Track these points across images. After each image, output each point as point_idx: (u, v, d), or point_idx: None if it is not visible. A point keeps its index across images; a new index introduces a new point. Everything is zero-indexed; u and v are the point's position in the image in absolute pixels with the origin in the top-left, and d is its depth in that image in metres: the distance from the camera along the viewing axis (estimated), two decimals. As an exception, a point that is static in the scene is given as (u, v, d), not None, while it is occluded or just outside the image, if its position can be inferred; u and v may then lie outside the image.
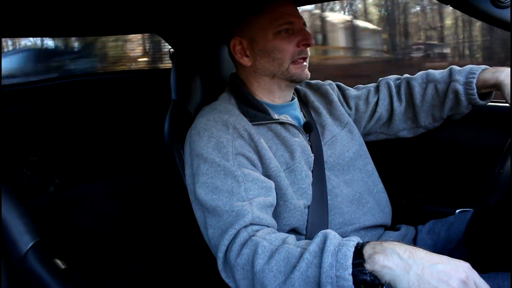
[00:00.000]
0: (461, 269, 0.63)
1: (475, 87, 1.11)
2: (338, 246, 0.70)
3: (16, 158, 1.75)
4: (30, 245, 0.94)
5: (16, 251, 0.94)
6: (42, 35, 2.81)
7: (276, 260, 0.75)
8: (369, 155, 1.21)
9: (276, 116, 1.07)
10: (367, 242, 0.70)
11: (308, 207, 1.02)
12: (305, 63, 1.08)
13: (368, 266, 0.66)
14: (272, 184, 0.96)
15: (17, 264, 0.94)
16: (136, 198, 1.90)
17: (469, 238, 0.87)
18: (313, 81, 1.28)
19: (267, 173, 0.98)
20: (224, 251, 0.83)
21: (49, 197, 1.80)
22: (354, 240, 0.71)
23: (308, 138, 1.11)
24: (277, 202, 0.98)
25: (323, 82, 1.28)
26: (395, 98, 1.24)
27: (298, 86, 1.23)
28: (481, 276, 0.90)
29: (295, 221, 0.99)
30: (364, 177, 1.15)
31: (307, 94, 1.23)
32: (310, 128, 1.12)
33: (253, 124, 1.03)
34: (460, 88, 1.13)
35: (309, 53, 1.08)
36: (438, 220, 1.17)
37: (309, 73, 1.10)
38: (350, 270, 0.66)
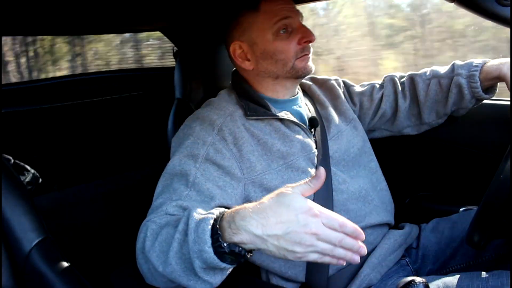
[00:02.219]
0: (307, 223, 0.65)
1: (478, 79, 1.10)
2: (198, 221, 0.72)
3: (19, 157, 1.75)
4: (34, 243, 0.94)
5: (20, 249, 0.94)
6: (44, 33, 2.81)
7: (158, 242, 0.78)
8: (373, 152, 1.20)
9: (276, 112, 1.07)
10: (224, 214, 0.72)
11: None
12: (309, 56, 1.07)
13: (225, 239, 0.69)
14: (222, 202, 0.92)
15: (21, 262, 0.94)
16: (140, 196, 1.89)
17: (472, 237, 0.86)
18: (318, 76, 1.28)
19: (251, 178, 0.98)
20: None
21: (53, 195, 1.80)
22: (213, 213, 0.73)
23: (312, 134, 1.11)
24: None
25: (328, 77, 1.28)
26: (400, 95, 1.24)
27: (303, 80, 1.22)
28: (485, 274, 0.90)
29: None
30: (368, 174, 1.15)
31: (312, 88, 1.22)
32: (315, 123, 1.12)
33: (250, 119, 1.03)
34: (463, 81, 1.12)
35: (311, 49, 1.08)
36: (441, 218, 1.17)
37: (313, 66, 1.09)
38: (209, 243, 0.68)
